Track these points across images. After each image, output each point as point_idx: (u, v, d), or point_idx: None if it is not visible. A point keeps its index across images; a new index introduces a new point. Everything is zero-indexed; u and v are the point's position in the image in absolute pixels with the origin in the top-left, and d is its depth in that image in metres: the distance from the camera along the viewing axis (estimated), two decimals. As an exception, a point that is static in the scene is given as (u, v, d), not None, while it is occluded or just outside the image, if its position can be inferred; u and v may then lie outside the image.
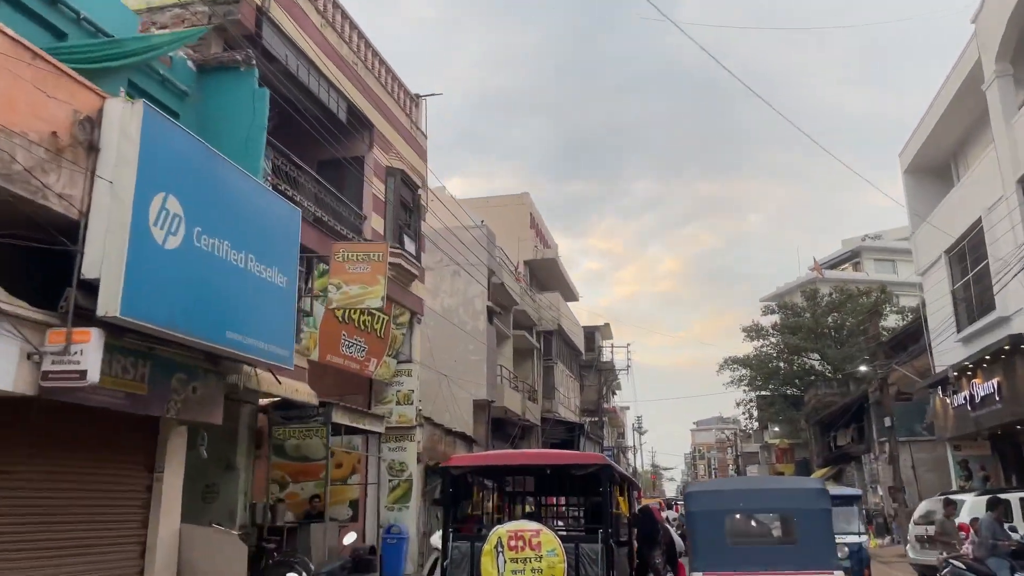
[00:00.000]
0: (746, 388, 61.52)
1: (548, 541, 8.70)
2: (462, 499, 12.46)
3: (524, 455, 13.29)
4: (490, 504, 14.38)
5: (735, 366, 61.28)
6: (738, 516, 10.16)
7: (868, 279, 60.41)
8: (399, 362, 18.50)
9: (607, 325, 60.24)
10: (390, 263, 17.33)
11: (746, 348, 70.53)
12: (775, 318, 59.37)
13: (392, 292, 17.67)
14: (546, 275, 35.61)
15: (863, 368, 34.41)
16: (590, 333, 62.71)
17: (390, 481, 18.34)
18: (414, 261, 18.04)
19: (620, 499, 11.36)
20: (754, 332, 59.78)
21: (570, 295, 39.88)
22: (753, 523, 11.24)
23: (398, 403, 18.44)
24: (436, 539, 14.57)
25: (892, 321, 56.82)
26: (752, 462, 75.09)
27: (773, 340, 57.79)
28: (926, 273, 26.45)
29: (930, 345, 25.16)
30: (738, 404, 63.14)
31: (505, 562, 8.59)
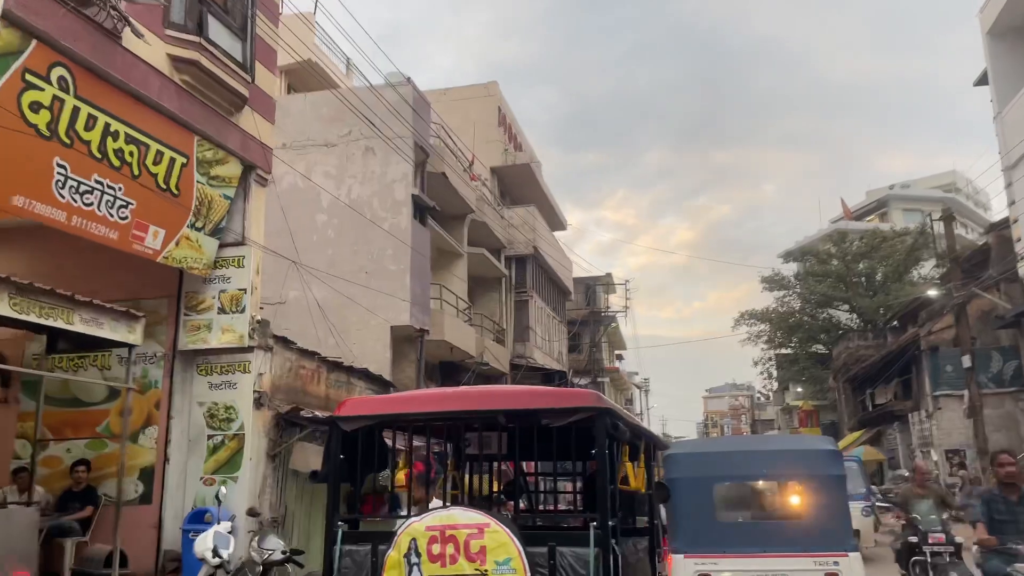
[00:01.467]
0: (765, 345, 54.78)
1: (500, 545, 4.72)
2: (364, 472, 6.49)
3: (463, 395, 6.90)
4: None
5: (752, 321, 54.40)
6: (730, 484, 7.84)
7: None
8: (223, 244, 11.15)
9: (609, 275, 53.03)
10: (181, 58, 9.94)
11: (767, 300, 63.24)
12: (798, 269, 52.06)
13: (196, 117, 10.30)
14: (520, 187, 28.11)
15: (933, 292, 26.80)
16: (590, 285, 55.46)
17: (209, 439, 11.10)
18: (236, 71, 10.61)
19: (629, 466, 6.43)
20: (775, 283, 52.50)
21: (555, 221, 32.32)
22: (749, 493, 8.48)
23: (223, 310, 11.13)
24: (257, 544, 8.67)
25: (930, 269, 49.56)
26: (770, 429, 68.02)
27: (797, 291, 50.48)
28: (1017, 166, 19.14)
29: None
30: (755, 363, 56.15)
31: None
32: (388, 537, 5.06)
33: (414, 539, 4.94)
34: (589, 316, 54.81)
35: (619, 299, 44.93)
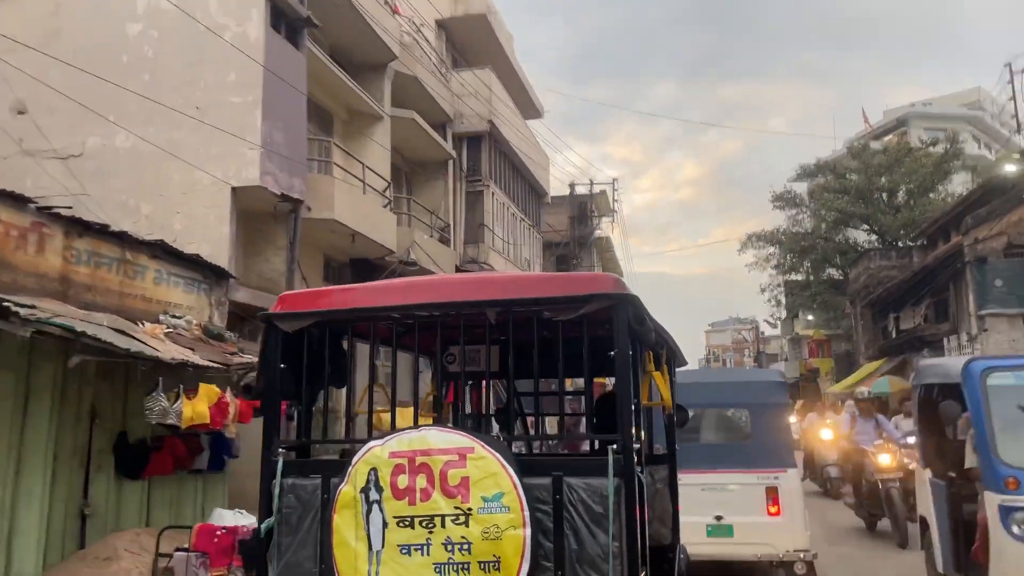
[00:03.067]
0: (773, 270, 49.20)
1: (488, 476, 3.43)
2: (317, 387, 4.32)
3: (440, 284, 4.49)
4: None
5: (760, 243, 48.70)
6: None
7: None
8: None
9: (603, 194, 47.40)
10: None
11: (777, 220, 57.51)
12: (811, 187, 46.12)
13: None
14: (476, 49, 22.01)
15: (1012, 167, 20.99)
16: (581, 203, 49.96)
17: None
18: None
19: (657, 377, 4.55)
20: (786, 200, 46.61)
21: (528, 105, 26.23)
22: (705, 419, 8.92)
23: None
24: None
25: (959, 185, 43.75)
26: (774, 362, 62.77)
27: (810, 207, 44.57)
28: None
29: None
30: (763, 290, 50.51)
31: (385, 525, 3.48)
32: (343, 468, 3.68)
33: (374, 469, 3.60)
34: (576, 233, 49.29)
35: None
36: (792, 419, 24.80)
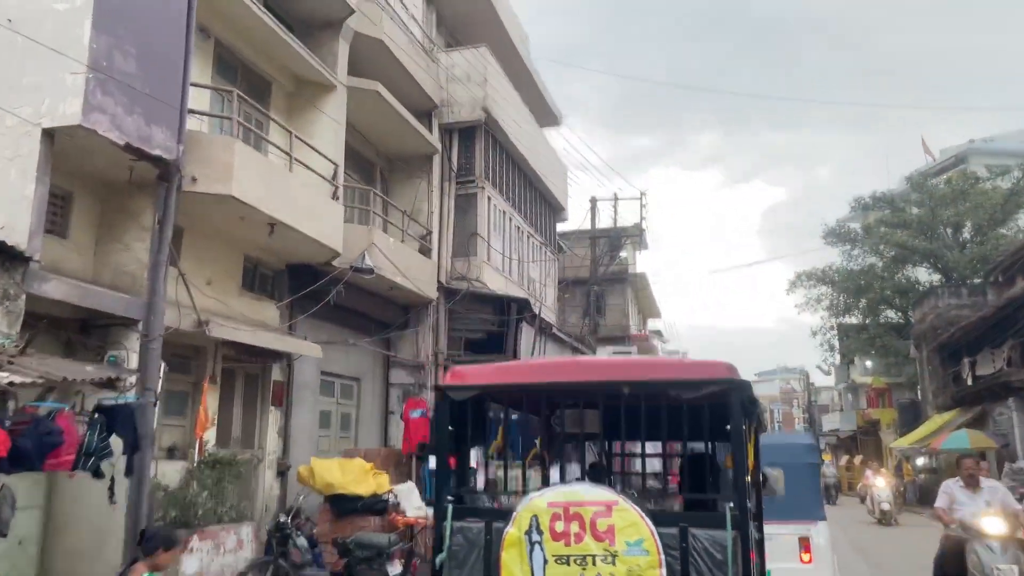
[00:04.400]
0: (825, 312, 44.61)
1: (630, 525, 4.39)
2: (467, 445, 5.61)
3: (585, 365, 6.10)
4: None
5: (811, 282, 44.28)
6: None
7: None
8: None
9: (637, 226, 43.62)
10: None
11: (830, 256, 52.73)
12: (866, 221, 41.71)
13: None
14: (474, 27, 18.38)
15: None
16: (615, 237, 46.12)
17: None
18: None
19: (750, 447, 5.46)
20: (839, 236, 42.24)
21: (543, 110, 22.54)
22: None
23: None
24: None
25: (1026, 224, 39.24)
26: (825, 414, 57.47)
27: (867, 243, 40.04)
28: None
29: None
30: (814, 333, 45.89)
31: (546, 562, 4.45)
32: (502, 514, 4.71)
33: (535, 516, 4.53)
34: (604, 268, 45.51)
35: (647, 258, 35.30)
36: (831, 468, 23.44)
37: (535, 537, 4.45)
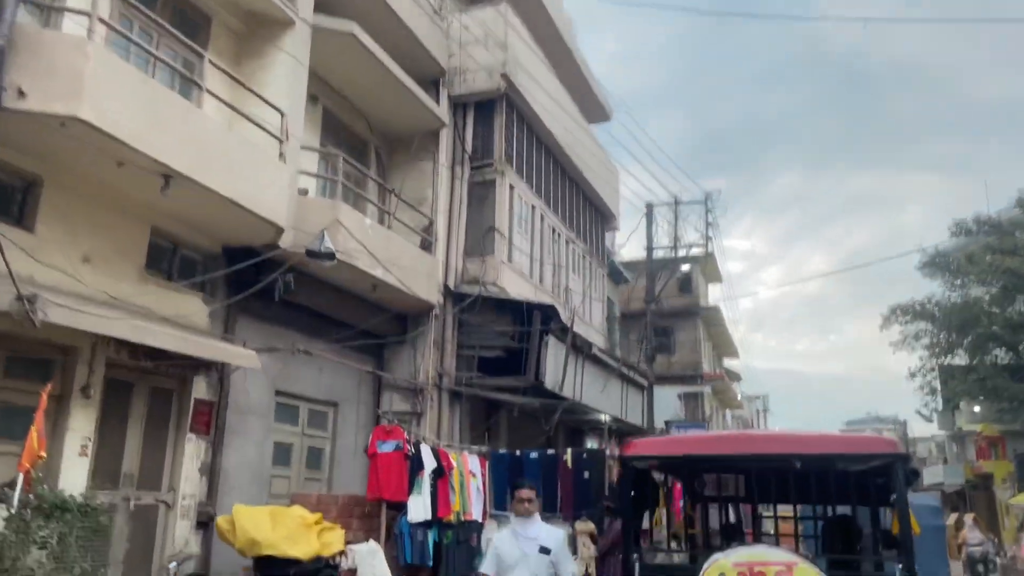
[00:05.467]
0: (924, 351, 39.57)
1: None
2: (642, 508, 6.87)
3: (758, 439, 7.01)
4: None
5: (907, 318, 39.46)
6: None
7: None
8: None
9: (711, 256, 40.10)
10: None
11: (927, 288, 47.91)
12: (971, 247, 36.81)
13: None
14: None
15: None
16: (685, 280, 42.88)
17: None
18: None
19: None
20: (938, 265, 37.42)
21: (589, 102, 19.27)
22: None
23: None
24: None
25: None
26: (926, 465, 51.44)
27: (974, 271, 35.14)
28: None
29: None
30: (912, 375, 40.81)
31: None
32: (682, 570, 5.64)
33: (722, 574, 4.95)
34: (697, 309, 41.74)
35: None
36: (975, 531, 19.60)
37: None
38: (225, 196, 8.06)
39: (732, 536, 7.05)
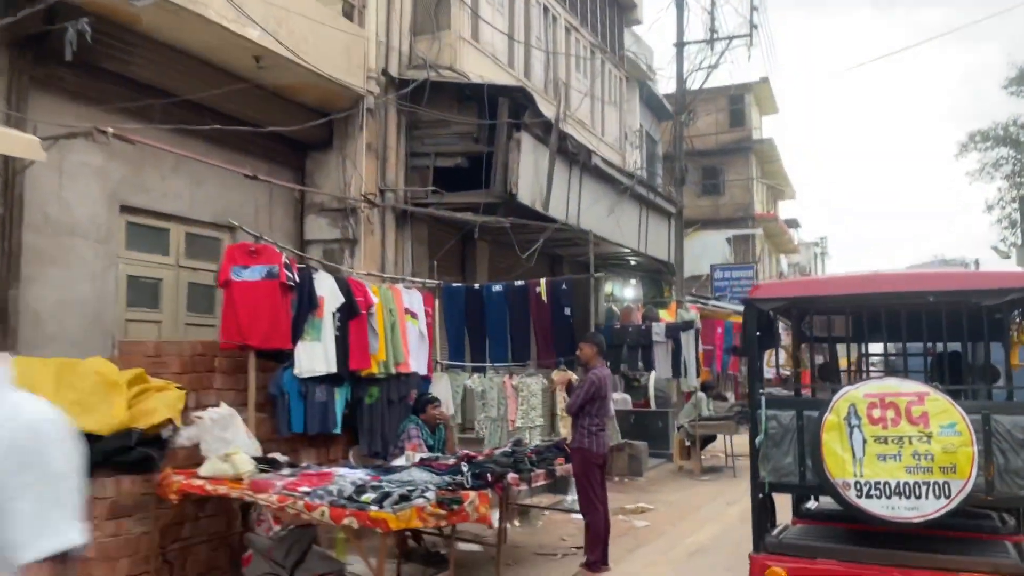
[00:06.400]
0: (1004, 181, 35.69)
1: (943, 411, 4.85)
2: (766, 346, 6.77)
3: (893, 279, 6.21)
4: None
5: (987, 144, 35.44)
6: None
7: None
8: None
9: (764, 81, 36.15)
10: None
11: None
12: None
13: None
14: None
15: None
16: (733, 98, 39.09)
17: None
18: None
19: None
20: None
21: None
22: None
23: None
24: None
25: None
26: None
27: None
28: None
29: None
30: (989, 207, 37.38)
31: (865, 441, 4.97)
32: (811, 403, 5.35)
33: (853, 404, 5.03)
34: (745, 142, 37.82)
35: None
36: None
37: (853, 421, 4.91)
38: None
39: (828, 376, 7.29)
